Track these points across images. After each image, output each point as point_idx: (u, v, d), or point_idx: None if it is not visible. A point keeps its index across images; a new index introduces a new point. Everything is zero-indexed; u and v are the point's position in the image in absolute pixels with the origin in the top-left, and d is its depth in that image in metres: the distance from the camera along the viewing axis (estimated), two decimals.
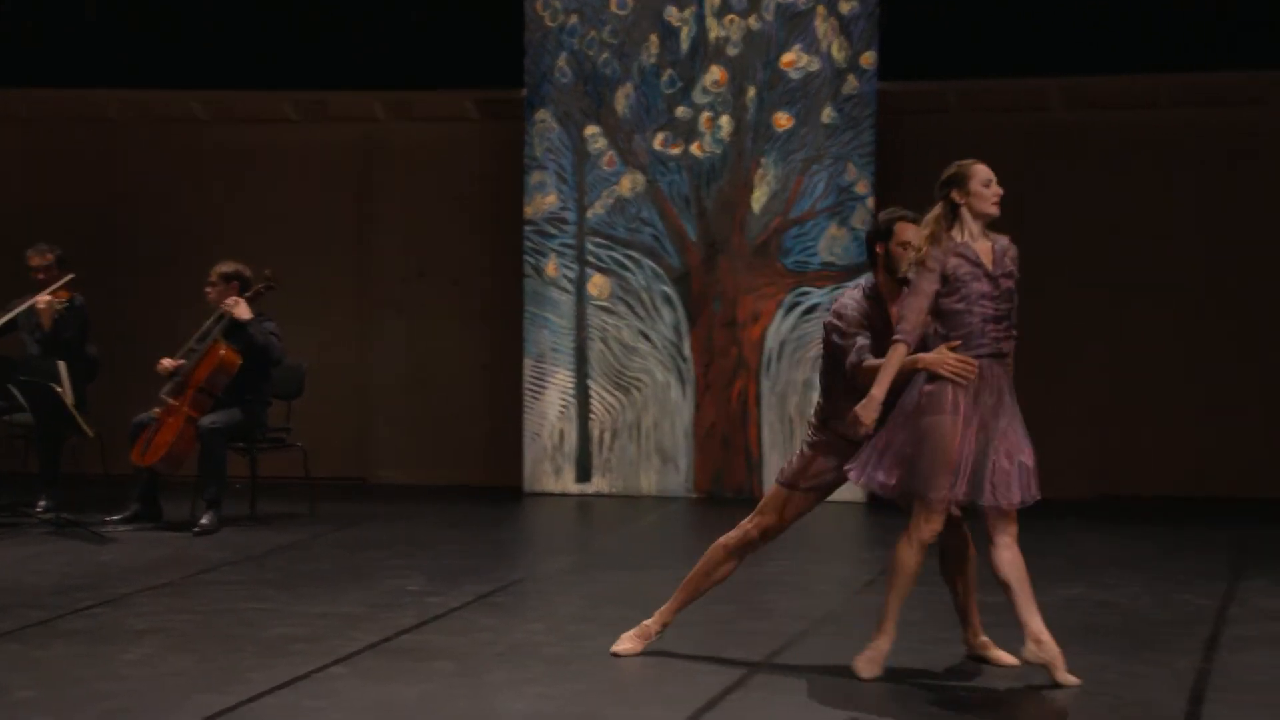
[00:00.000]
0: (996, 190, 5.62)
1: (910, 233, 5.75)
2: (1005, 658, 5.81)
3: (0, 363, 9.01)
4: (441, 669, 5.76)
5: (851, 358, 5.67)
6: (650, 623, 6.04)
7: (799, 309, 10.19)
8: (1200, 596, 7.12)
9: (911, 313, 5.49)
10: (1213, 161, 10.29)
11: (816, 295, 10.15)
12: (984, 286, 5.49)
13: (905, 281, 5.65)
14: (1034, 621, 5.54)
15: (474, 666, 5.80)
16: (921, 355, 5.49)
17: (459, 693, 5.46)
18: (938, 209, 5.59)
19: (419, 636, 6.31)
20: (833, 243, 10.11)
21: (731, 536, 6.04)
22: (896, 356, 5.48)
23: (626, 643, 5.99)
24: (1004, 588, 5.58)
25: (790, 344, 10.22)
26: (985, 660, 5.85)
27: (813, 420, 5.97)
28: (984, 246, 5.57)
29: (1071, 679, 5.51)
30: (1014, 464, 5.47)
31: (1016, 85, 10.34)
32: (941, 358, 5.46)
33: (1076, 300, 10.39)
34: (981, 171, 5.61)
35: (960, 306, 5.49)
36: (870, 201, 10.06)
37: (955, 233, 5.56)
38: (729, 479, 10.29)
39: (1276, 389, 10.26)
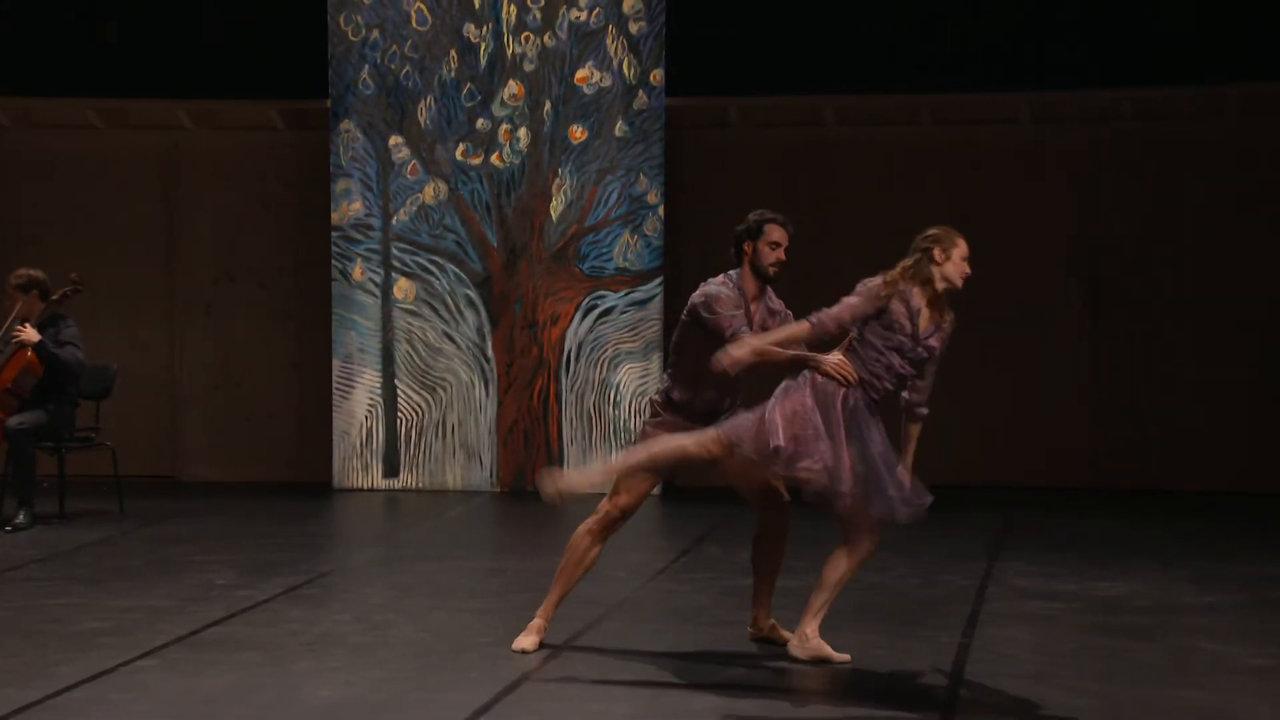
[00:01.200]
0: (967, 270, 5.56)
1: (778, 233, 5.80)
2: (789, 636, 5.89)
3: None
4: (249, 660, 5.65)
5: (731, 326, 5.63)
6: (538, 620, 5.87)
7: (596, 311, 10.22)
8: (961, 577, 7.32)
9: (838, 309, 5.48)
10: (962, 173, 10.59)
11: (612, 298, 10.19)
12: (904, 342, 5.48)
13: (769, 279, 5.66)
14: (815, 623, 5.62)
15: (281, 656, 5.69)
16: (815, 355, 5.49)
17: (266, 682, 5.36)
18: (915, 257, 5.53)
19: (227, 629, 6.17)
20: (626, 249, 10.16)
21: (593, 521, 5.93)
22: (798, 329, 5.48)
23: (524, 640, 5.78)
24: (822, 583, 5.64)
25: (588, 344, 10.24)
26: (771, 641, 5.92)
27: (656, 399, 5.94)
28: (928, 313, 5.55)
29: (843, 656, 5.62)
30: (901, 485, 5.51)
31: (792, 102, 10.51)
32: (831, 358, 5.46)
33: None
34: (964, 245, 5.55)
35: (878, 343, 5.47)
36: (661, 210, 10.13)
37: (914, 285, 5.50)
38: (531, 473, 10.27)
39: (1036, 384, 10.59)
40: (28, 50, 10.67)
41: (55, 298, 8.74)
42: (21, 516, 8.49)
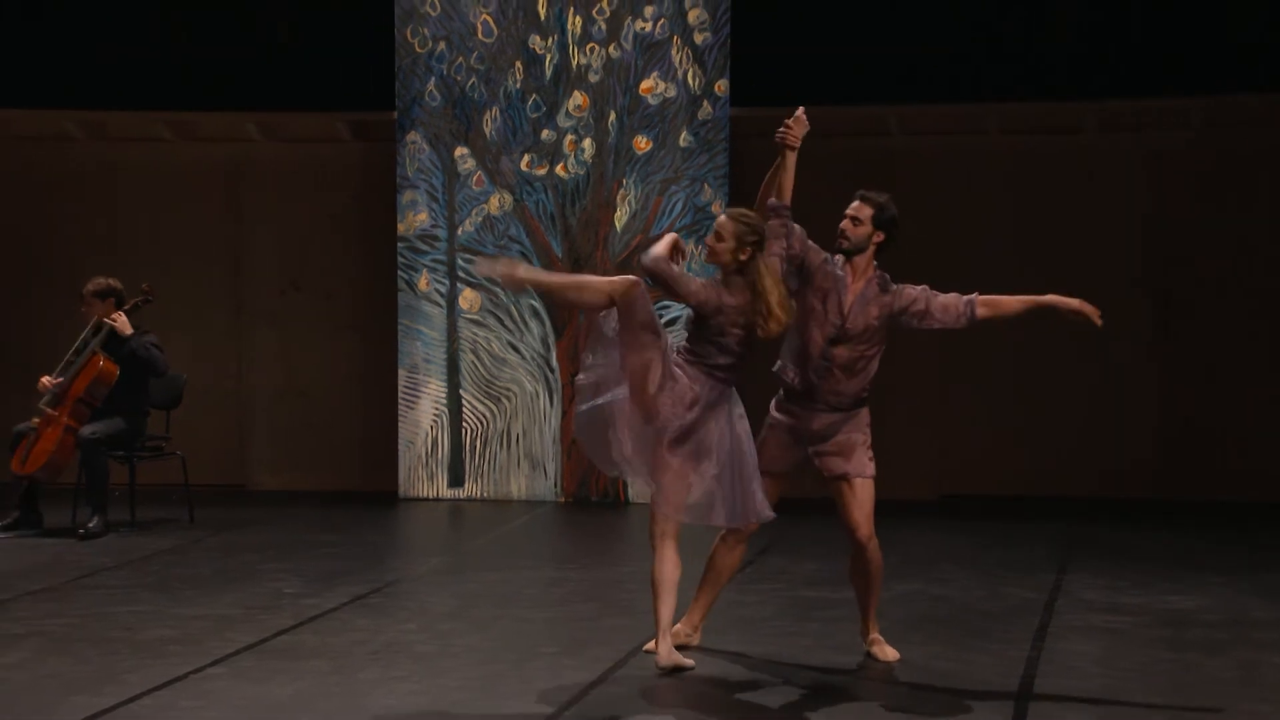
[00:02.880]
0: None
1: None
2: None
3: None
4: (316, 668, 5.69)
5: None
6: (681, 627, 5.90)
7: (660, 321, 10.20)
8: (1027, 589, 7.26)
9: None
10: (1029, 183, 10.51)
11: (676, 309, 10.18)
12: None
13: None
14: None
15: (348, 665, 5.73)
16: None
17: (333, 690, 5.40)
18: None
19: (295, 637, 6.22)
20: (691, 259, 10.15)
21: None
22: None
23: (673, 656, 5.71)
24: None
25: None
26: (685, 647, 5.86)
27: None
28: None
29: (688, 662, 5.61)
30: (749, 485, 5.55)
31: (857, 112, 10.48)
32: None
33: None
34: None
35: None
36: None
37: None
38: (594, 483, 10.29)
39: (1102, 397, 10.50)
40: (100, 64, 10.82)
41: (128, 307, 8.85)
42: (94, 524, 8.60)
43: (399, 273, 10.38)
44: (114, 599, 6.96)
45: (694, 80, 10.14)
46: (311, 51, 10.75)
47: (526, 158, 10.28)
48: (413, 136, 10.33)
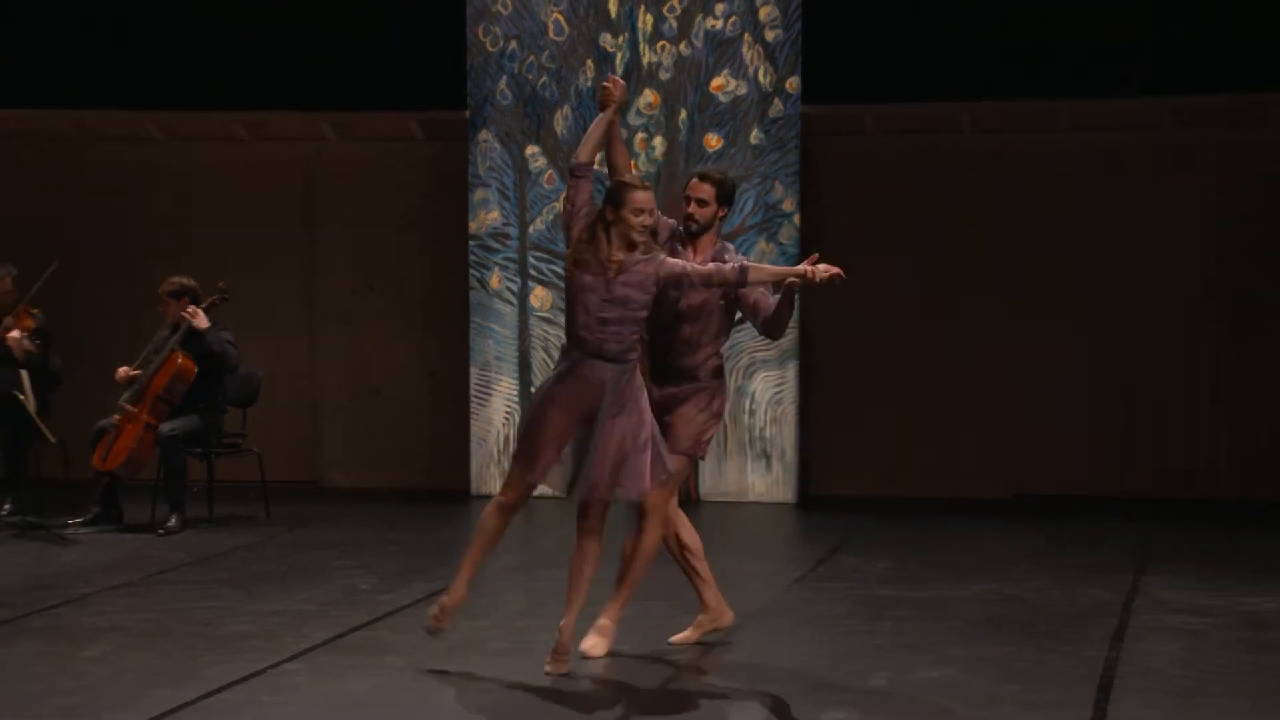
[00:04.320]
0: (645, 221, 5.55)
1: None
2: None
3: None
4: (391, 664, 5.73)
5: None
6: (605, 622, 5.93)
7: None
8: (1105, 590, 7.19)
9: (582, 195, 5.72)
10: (1101, 180, 10.40)
11: None
12: (593, 282, 5.48)
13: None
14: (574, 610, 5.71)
15: (423, 661, 5.77)
16: None
17: (409, 686, 5.44)
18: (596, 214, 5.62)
19: (370, 633, 6.27)
20: (762, 257, 10.13)
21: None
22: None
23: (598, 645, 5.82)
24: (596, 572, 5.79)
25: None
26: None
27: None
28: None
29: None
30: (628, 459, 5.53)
31: (929, 109, 10.42)
32: None
33: (989, 311, 10.48)
34: (638, 198, 5.58)
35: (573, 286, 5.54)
36: (796, 218, 10.10)
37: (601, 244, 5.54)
38: None
39: (1177, 396, 10.38)
40: (174, 65, 10.94)
41: (204, 305, 8.95)
42: (173, 520, 8.70)
43: (470, 271, 10.44)
44: (192, 594, 7.04)
45: (765, 77, 10.12)
46: (384, 51, 10.82)
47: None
48: (484, 135, 10.38)
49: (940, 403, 10.50)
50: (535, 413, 5.61)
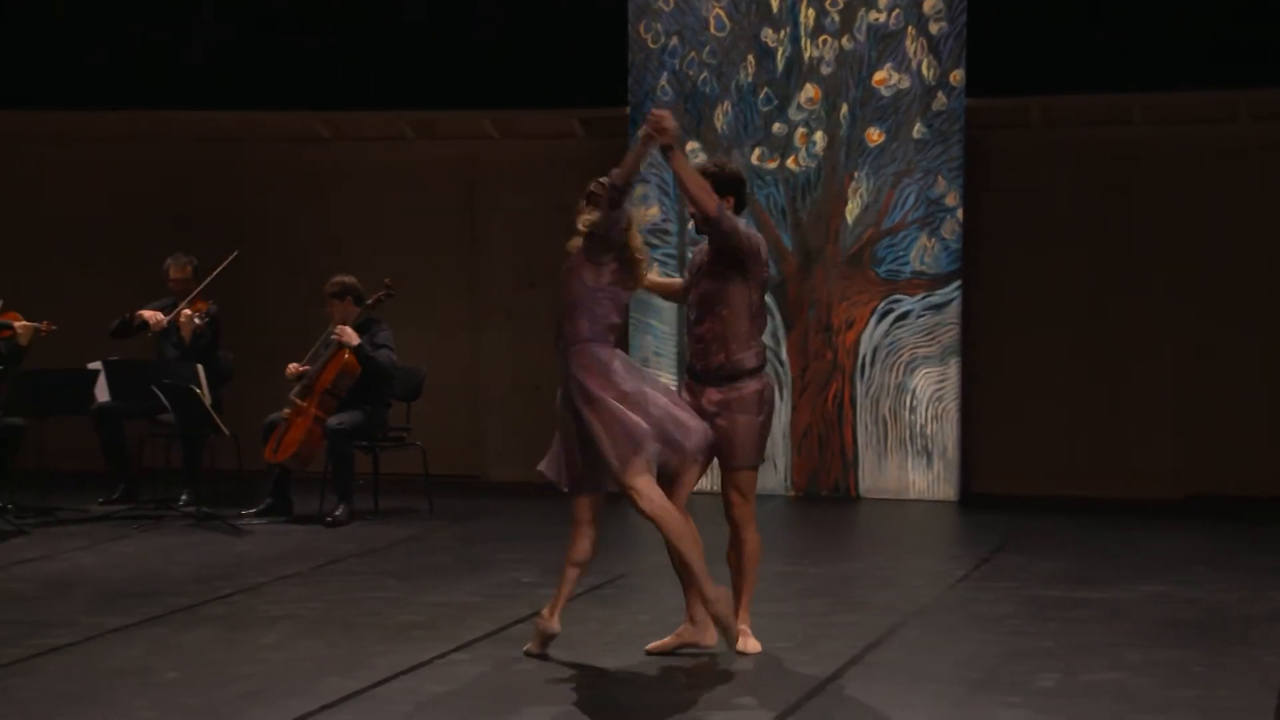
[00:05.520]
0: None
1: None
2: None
3: (145, 367, 9.19)
4: (555, 656, 5.80)
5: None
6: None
7: (892, 315, 10.14)
8: None
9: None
10: None
11: (908, 302, 10.09)
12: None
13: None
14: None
15: (585, 654, 5.83)
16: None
17: (577, 680, 5.50)
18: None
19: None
20: (923, 252, 10.05)
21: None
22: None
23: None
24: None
25: (883, 349, 10.17)
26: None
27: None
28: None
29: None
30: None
31: (1098, 101, 10.21)
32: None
33: (1161, 308, 10.25)
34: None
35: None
36: (959, 213, 9.98)
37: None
38: (825, 477, 10.26)
39: None
40: (343, 67, 11.19)
41: (370, 302, 9.14)
42: (340, 511, 8.91)
43: None
44: (360, 585, 7.20)
45: (929, 71, 10.01)
46: (546, 49, 10.94)
47: (757, 151, 10.29)
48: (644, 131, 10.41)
49: (1108, 401, 10.29)
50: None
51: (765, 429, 5.96)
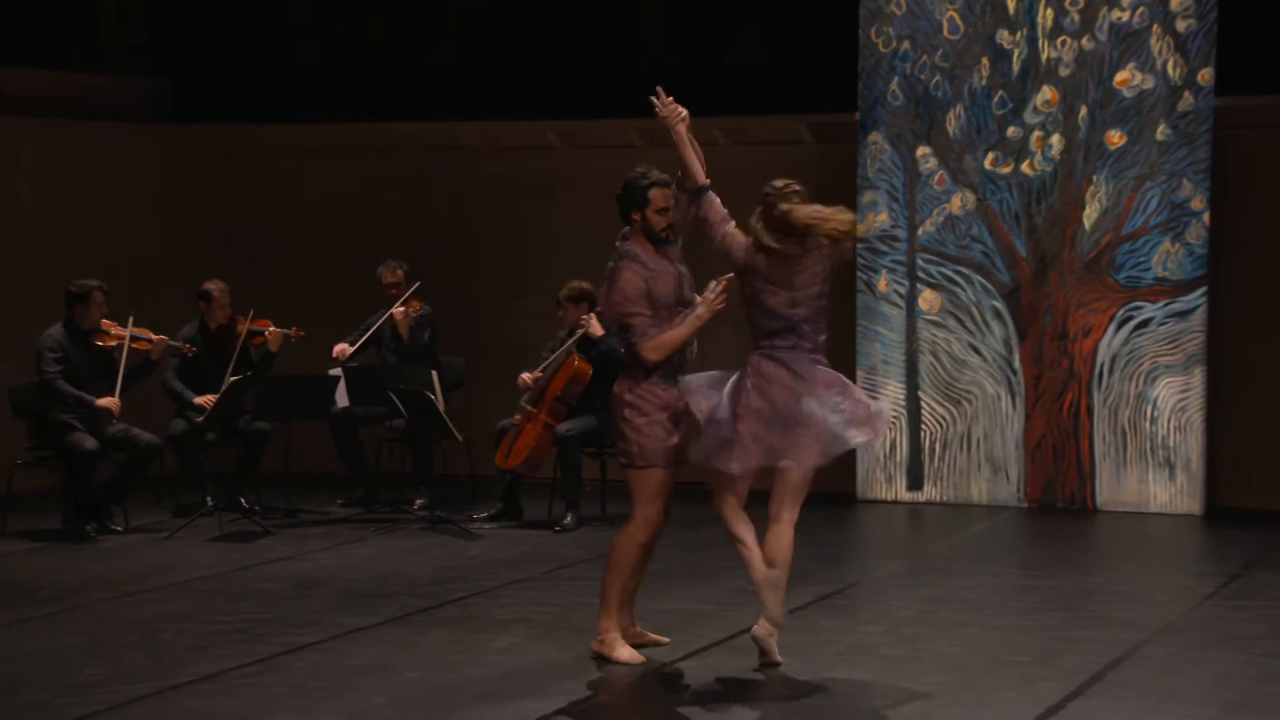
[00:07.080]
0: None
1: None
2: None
3: (380, 373, 9.45)
4: (787, 667, 5.78)
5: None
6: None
7: (1132, 322, 9.84)
8: None
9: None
10: None
11: (1150, 309, 9.79)
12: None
13: (664, 242, 6.18)
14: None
15: (816, 665, 5.81)
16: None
17: (811, 691, 5.48)
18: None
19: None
20: (1166, 257, 9.73)
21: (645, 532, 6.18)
22: None
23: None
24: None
25: (1122, 357, 9.88)
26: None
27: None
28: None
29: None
30: None
31: None
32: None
33: None
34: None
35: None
36: (1205, 217, 9.64)
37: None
38: (1060, 489, 10.01)
39: None
40: (574, 75, 11.36)
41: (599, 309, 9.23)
42: (569, 518, 9.03)
43: (857, 273, 10.40)
44: (590, 590, 7.25)
45: (1174, 70, 9.70)
46: (775, 55, 10.92)
47: (991, 155, 10.11)
48: (874, 137, 10.33)
49: None
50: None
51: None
